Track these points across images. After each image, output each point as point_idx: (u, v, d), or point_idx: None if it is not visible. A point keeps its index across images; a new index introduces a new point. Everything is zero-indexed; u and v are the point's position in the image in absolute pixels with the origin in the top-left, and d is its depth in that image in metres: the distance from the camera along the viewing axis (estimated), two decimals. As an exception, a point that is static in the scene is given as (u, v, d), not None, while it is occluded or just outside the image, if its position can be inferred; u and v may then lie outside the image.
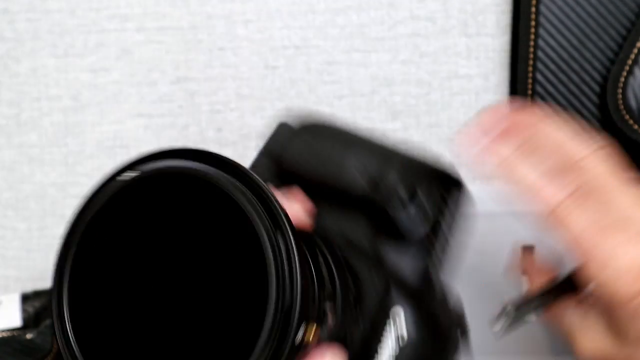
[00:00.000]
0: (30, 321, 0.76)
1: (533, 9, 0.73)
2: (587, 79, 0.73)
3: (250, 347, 0.46)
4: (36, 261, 0.78)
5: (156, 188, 0.48)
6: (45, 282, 0.78)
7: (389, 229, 0.58)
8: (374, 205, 0.58)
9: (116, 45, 0.77)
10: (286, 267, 0.47)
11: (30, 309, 0.76)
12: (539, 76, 0.73)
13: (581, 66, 0.73)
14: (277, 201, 0.47)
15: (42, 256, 0.78)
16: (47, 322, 0.75)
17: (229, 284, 0.49)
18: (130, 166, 0.49)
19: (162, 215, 0.49)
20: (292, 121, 0.63)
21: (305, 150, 0.61)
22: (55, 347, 0.75)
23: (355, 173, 0.58)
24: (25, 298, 0.76)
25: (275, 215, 0.47)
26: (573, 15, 0.73)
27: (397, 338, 0.56)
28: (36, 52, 0.77)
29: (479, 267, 0.76)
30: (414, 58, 0.76)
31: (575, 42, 0.73)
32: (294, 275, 0.46)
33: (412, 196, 0.58)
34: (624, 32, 0.73)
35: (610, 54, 0.73)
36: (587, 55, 0.73)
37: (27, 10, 0.77)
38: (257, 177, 0.47)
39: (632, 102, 0.71)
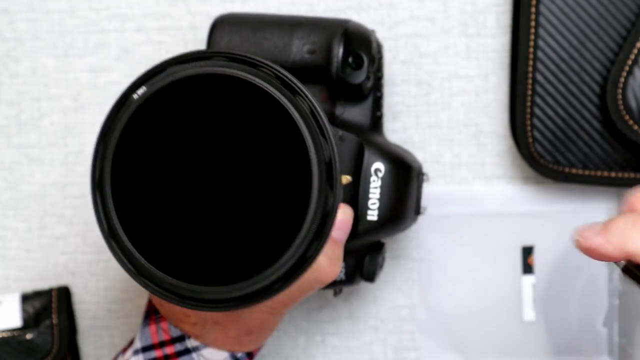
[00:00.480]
0: (30, 321, 0.76)
1: (533, 9, 0.73)
2: (587, 79, 0.73)
3: (300, 213, 0.52)
4: (36, 261, 0.78)
5: (187, 91, 0.53)
6: (45, 282, 0.78)
7: (344, 92, 0.68)
8: (327, 74, 0.67)
9: (116, 45, 0.77)
10: (316, 124, 0.53)
11: (30, 309, 0.76)
12: (538, 76, 0.73)
13: (581, 66, 0.73)
14: (285, 71, 0.54)
15: (42, 256, 0.78)
16: (47, 322, 0.75)
17: (264, 169, 0.53)
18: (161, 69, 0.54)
19: (194, 114, 0.53)
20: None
21: (232, 43, 0.68)
22: (56, 348, 0.75)
23: (302, 51, 0.67)
24: (25, 298, 0.76)
25: (291, 84, 0.53)
26: (573, 15, 0.73)
27: (380, 182, 0.67)
28: (36, 52, 0.77)
29: (479, 267, 0.76)
30: (414, 58, 0.76)
31: (575, 42, 0.73)
32: (324, 130, 0.53)
33: (359, 60, 0.67)
34: (624, 32, 0.73)
35: (610, 54, 0.73)
36: (587, 55, 0.73)
37: (27, 10, 0.77)
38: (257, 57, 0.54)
39: (632, 103, 0.71)
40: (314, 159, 0.52)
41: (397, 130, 0.76)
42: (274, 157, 0.53)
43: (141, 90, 0.54)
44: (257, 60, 0.54)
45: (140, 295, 0.78)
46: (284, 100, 0.53)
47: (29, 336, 0.75)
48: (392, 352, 0.77)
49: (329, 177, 0.53)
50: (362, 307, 0.77)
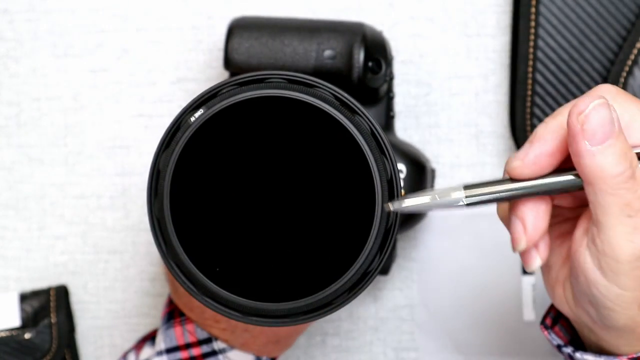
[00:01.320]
0: (28, 321, 0.76)
1: (533, 9, 0.73)
2: (587, 79, 0.73)
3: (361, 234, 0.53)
4: (36, 261, 0.78)
5: (249, 111, 0.54)
6: (45, 282, 0.78)
7: (362, 95, 0.69)
8: (348, 79, 0.69)
9: (116, 45, 0.77)
10: (376, 143, 0.54)
11: (29, 309, 0.76)
12: (538, 76, 0.73)
13: (581, 66, 0.73)
14: (342, 91, 0.55)
15: (42, 256, 0.78)
16: (46, 321, 0.75)
17: (324, 186, 0.54)
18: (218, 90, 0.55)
19: (253, 135, 0.54)
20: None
21: (252, 50, 0.69)
22: (54, 347, 0.75)
23: (323, 56, 0.68)
24: (24, 298, 0.76)
25: (349, 104, 0.54)
26: (573, 16, 0.73)
27: (402, 184, 0.66)
28: (36, 52, 0.77)
29: (479, 267, 0.76)
30: (414, 58, 0.76)
31: (575, 42, 0.73)
32: (384, 148, 0.54)
33: (378, 65, 0.69)
34: (624, 32, 0.73)
35: (610, 55, 0.73)
36: (587, 55, 0.73)
37: (27, 10, 0.77)
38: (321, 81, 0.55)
39: (632, 102, 0.71)
40: (377, 177, 0.54)
41: (397, 130, 0.76)
42: (336, 176, 0.54)
43: (198, 113, 0.54)
44: (314, 81, 0.55)
45: (140, 296, 0.78)
46: (345, 121, 0.54)
47: (27, 335, 0.75)
48: (392, 352, 0.77)
49: (391, 194, 0.54)
50: (362, 307, 0.77)
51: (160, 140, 0.55)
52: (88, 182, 0.78)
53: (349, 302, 0.54)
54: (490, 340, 0.77)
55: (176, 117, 0.55)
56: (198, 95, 0.55)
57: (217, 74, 0.77)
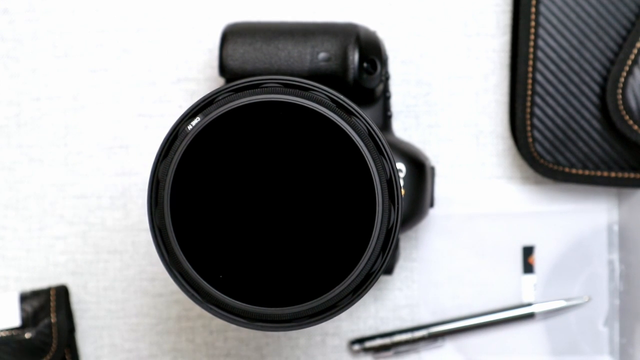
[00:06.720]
0: (29, 321, 0.76)
1: (533, 9, 0.73)
2: (587, 79, 0.73)
3: (363, 232, 0.54)
4: (36, 261, 0.78)
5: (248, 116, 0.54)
6: (45, 282, 0.78)
7: (358, 96, 0.69)
8: (343, 80, 0.68)
9: (116, 45, 0.77)
10: (374, 144, 0.54)
11: (29, 309, 0.76)
12: (538, 76, 0.73)
13: (581, 66, 0.73)
14: (338, 93, 0.55)
15: (42, 256, 0.78)
16: (46, 321, 0.75)
17: (324, 190, 0.54)
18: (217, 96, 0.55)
19: (252, 140, 0.54)
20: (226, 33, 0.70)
21: (246, 56, 0.69)
22: (54, 347, 0.75)
23: (317, 59, 0.68)
24: (24, 298, 0.76)
25: (345, 105, 0.54)
26: (573, 15, 0.73)
27: (402, 183, 0.68)
28: (36, 52, 0.77)
29: (479, 267, 0.76)
30: (414, 58, 0.76)
31: (575, 42, 0.73)
32: (382, 148, 0.54)
33: (373, 66, 0.69)
34: (624, 32, 0.73)
35: (610, 54, 0.73)
36: (587, 55, 0.73)
37: (27, 10, 0.77)
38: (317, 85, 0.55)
39: (632, 103, 0.71)
40: (377, 178, 0.54)
41: (397, 130, 0.76)
42: (336, 178, 0.54)
43: (195, 121, 0.54)
44: (310, 85, 0.55)
45: (140, 296, 0.78)
46: (342, 123, 0.54)
47: (27, 335, 0.75)
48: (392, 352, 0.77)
49: (391, 193, 0.54)
50: (362, 307, 0.77)
51: (158, 150, 0.55)
52: (88, 182, 0.78)
53: (354, 303, 0.54)
54: (490, 340, 0.77)
55: (173, 126, 0.55)
56: (194, 103, 0.55)
57: (217, 74, 0.77)
